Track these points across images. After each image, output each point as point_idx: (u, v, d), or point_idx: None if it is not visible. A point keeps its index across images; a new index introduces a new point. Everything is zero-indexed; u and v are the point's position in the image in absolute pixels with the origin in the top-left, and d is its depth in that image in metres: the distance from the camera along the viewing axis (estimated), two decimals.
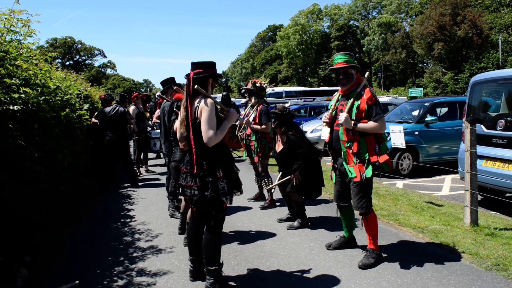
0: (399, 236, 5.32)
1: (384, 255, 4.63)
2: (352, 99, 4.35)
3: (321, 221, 6.08)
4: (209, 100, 3.65)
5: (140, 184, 9.38)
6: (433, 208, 6.56)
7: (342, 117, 4.29)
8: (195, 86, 3.68)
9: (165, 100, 6.51)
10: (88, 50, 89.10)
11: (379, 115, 4.27)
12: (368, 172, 4.30)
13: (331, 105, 4.67)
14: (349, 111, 4.33)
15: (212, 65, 3.88)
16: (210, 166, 3.69)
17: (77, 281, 3.77)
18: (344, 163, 4.45)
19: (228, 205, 3.74)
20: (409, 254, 4.69)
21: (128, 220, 6.41)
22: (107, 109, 8.91)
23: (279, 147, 5.80)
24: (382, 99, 20.89)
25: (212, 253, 3.81)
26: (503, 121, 6.36)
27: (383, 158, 4.35)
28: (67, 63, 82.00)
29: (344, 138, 4.38)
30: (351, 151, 4.35)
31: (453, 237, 5.14)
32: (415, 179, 9.48)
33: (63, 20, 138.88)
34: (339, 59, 4.46)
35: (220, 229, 3.88)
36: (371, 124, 4.25)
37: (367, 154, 4.30)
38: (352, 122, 4.27)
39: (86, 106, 7.79)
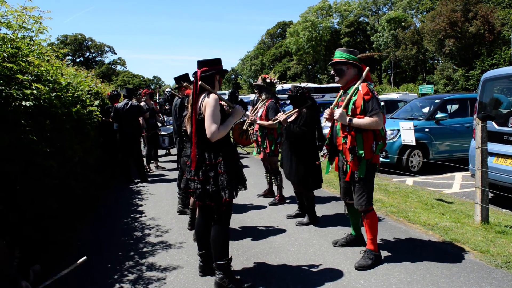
0: (409, 233, 5.31)
1: (393, 252, 4.63)
2: (349, 94, 4.31)
3: (330, 218, 6.08)
4: (212, 96, 3.71)
5: (149, 180, 9.43)
6: (443, 206, 6.53)
7: (337, 112, 4.26)
8: (199, 83, 3.75)
9: (177, 96, 6.56)
10: (98, 47, 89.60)
11: (374, 110, 4.15)
12: (361, 171, 4.24)
13: (334, 101, 4.67)
14: (346, 107, 4.29)
15: (217, 61, 3.95)
16: (212, 161, 3.74)
17: (85, 257, 3.80)
18: (345, 159, 4.41)
19: (227, 199, 3.72)
20: (418, 251, 4.68)
21: (138, 215, 6.46)
22: (119, 105, 8.98)
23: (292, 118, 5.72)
24: (392, 95, 20.79)
25: (221, 248, 3.83)
26: None
27: (376, 158, 4.31)
28: (78, 59, 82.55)
29: (340, 134, 4.37)
30: (346, 146, 4.30)
31: (463, 235, 5.12)
32: (425, 176, 9.43)
33: (74, 16, 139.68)
34: (334, 56, 4.51)
35: (226, 223, 3.90)
36: (366, 119, 4.16)
37: (362, 151, 4.21)
38: (348, 118, 4.22)
39: (96, 102, 7.84)
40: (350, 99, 4.29)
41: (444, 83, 47.60)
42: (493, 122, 6.54)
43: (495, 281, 3.90)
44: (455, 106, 11.12)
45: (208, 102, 3.67)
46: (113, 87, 15.13)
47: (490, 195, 6.42)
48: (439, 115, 10.00)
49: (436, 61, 57.69)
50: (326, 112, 4.51)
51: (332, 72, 4.53)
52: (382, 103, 4.37)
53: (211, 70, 3.87)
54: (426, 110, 10.79)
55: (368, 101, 4.18)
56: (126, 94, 9.38)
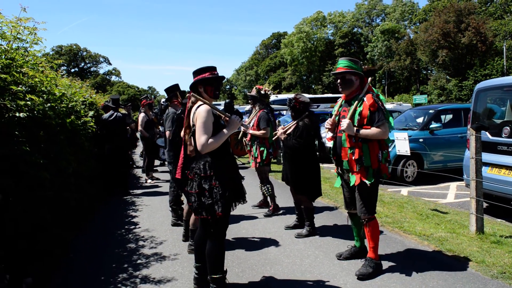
0: (404, 244, 5.30)
1: (389, 263, 4.61)
2: (354, 105, 4.33)
3: (325, 228, 6.06)
4: (203, 107, 3.64)
5: (144, 191, 9.38)
6: (438, 216, 6.53)
7: (344, 123, 4.26)
8: (191, 94, 3.73)
9: (170, 107, 6.51)
10: (93, 58, 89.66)
11: (381, 121, 4.22)
12: (369, 180, 4.26)
13: (334, 111, 4.66)
14: (351, 117, 4.31)
15: (200, 71, 3.84)
16: (206, 173, 3.67)
17: None
18: (347, 171, 4.42)
19: (220, 213, 3.61)
20: (414, 262, 4.66)
21: (132, 227, 6.41)
22: (105, 116, 8.78)
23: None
24: (386, 106, 20.87)
25: (215, 261, 3.78)
26: (508, 128, 6.34)
27: (384, 168, 4.37)
28: (72, 70, 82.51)
29: (347, 145, 4.35)
30: (353, 157, 4.30)
31: (459, 245, 5.11)
32: (420, 187, 9.44)
33: (68, 27, 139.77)
34: (339, 64, 4.48)
35: (221, 237, 3.82)
36: (373, 130, 4.21)
37: (369, 161, 4.26)
38: (355, 128, 4.25)
39: (91, 113, 7.81)
40: (355, 109, 4.31)
41: (437, 93, 47.92)
42: (487, 132, 6.57)
43: None
44: (449, 116, 11.16)
45: (199, 113, 3.61)
46: (108, 97, 15.04)
47: (485, 205, 6.42)
48: (433, 125, 10.03)
49: (429, 71, 58.16)
50: (328, 122, 4.56)
51: (339, 81, 4.46)
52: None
53: (194, 80, 3.80)
54: (420, 120, 10.82)
55: (374, 112, 4.24)
56: (112, 104, 9.08)
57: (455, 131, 10.23)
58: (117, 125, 8.71)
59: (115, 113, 8.74)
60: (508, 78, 7.23)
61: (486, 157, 6.16)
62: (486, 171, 6.44)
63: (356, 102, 4.33)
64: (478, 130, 5.53)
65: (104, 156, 8.73)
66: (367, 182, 4.25)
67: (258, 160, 6.75)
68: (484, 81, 7.57)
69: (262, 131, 6.57)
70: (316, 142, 5.71)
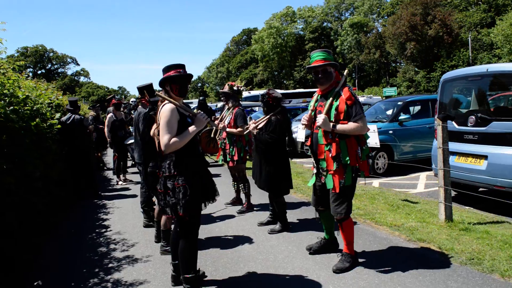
0: (376, 235, 5.36)
1: (361, 255, 4.65)
2: (330, 99, 4.17)
3: (299, 223, 6.08)
4: (167, 106, 3.59)
5: (115, 193, 9.22)
6: (409, 206, 6.64)
7: (320, 118, 4.09)
8: (155, 93, 3.68)
9: (139, 106, 6.39)
10: (60, 58, 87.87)
11: (359, 115, 4.06)
12: (348, 180, 4.14)
13: (310, 106, 4.49)
14: (328, 112, 4.15)
15: (166, 69, 3.77)
16: (170, 172, 3.62)
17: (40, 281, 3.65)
18: (324, 169, 4.25)
19: (181, 214, 3.57)
20: (386, 253, 4.73)
21: (103, 230, 6.29)
22: (63, 118, 8.39)
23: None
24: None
25: (186, 261, 3.75)
26: (473, 117, 6.47)
27: (363, 165, 4.21)
28: (39, 72, 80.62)
29: (323, 141, 4.20)
30: (330, 155, 4.15)
31: (429, 234, 5.20)
32: (390, 178, 9.59)
33: (32, 29, 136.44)
34: (316, 57, 4.26)
35: (191, 237, 3.76)
36: (351, 125, 4.06)
37: (347, 158, 4.10)
38: (331, 124, 4.09)
39: (57, 115, 7.61)
40: (331, 104, 4.15)
41: (407, 85, 48.82)
42: (453, 122, 6.69)
43: (460, 278, 3.98)
44: (417, 108, 11.34)
45: (162, 112, 3.56)
46: (77, 99, 14.69)
47: (453, 193, 6.56)
48: (402, 116, 10.17)
49: (398, 64, 59.11)
50: (304, 118, 4.40)
51: (320, 75, 4.23)
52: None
53: (160, 79, 3.74)
54: (389, 112, 10.96)
55: (351, 105, 4.08)
56: (69, 106, 8.67)
57: (424, 122, 10.40)
58: (75, 127, 8.43)
59: (73, 116, 8.45)
60: (472, 68, 7.39)
61: (453, 146, 6.28)
62: (454, 160, 6.57)
63: (333, 96, 4.16)
64: (444, 120, 5.64)
65: (69, 159, 8.48)
66: (345, 183, 4.13)
67: (236, 158, 6.69)
68: (449, 71, 7.70)
69: (239, 129, 6.51)
70: (287, 138, 5.71)
